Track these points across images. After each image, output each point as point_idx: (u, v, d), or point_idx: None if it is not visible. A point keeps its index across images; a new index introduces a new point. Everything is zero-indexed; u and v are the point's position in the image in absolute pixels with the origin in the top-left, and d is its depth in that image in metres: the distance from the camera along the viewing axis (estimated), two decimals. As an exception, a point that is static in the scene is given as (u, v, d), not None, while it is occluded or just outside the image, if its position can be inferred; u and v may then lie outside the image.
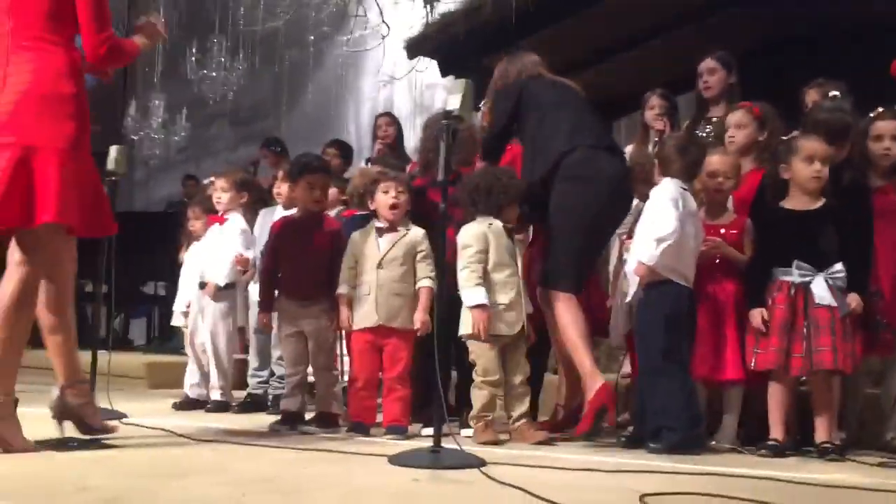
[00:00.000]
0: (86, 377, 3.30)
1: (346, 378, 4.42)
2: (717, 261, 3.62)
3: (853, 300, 3.36)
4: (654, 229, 3.40)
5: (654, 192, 3.54)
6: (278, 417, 3.98)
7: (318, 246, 3.92)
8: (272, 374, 4.74)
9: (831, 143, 3.51)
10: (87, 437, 3.05)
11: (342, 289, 3.82)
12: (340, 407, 3.99)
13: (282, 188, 4.74)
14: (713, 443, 3.52)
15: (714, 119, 4.62)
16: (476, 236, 3.61)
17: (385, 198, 3.81)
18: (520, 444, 3.45)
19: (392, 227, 3.82)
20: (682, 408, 3.34)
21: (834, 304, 3.32)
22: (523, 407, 3.56)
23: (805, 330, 3.32)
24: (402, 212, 3.82)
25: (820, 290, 3.32)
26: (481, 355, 3.55)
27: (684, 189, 3.49)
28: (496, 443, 3.46)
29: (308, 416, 4.00)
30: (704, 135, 4.60)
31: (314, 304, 3.90)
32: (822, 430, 3.35)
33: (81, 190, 2.88)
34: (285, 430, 3.79)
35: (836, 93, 3.98)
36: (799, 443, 3.46)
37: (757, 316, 3.40)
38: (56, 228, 2.86)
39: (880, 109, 3.84)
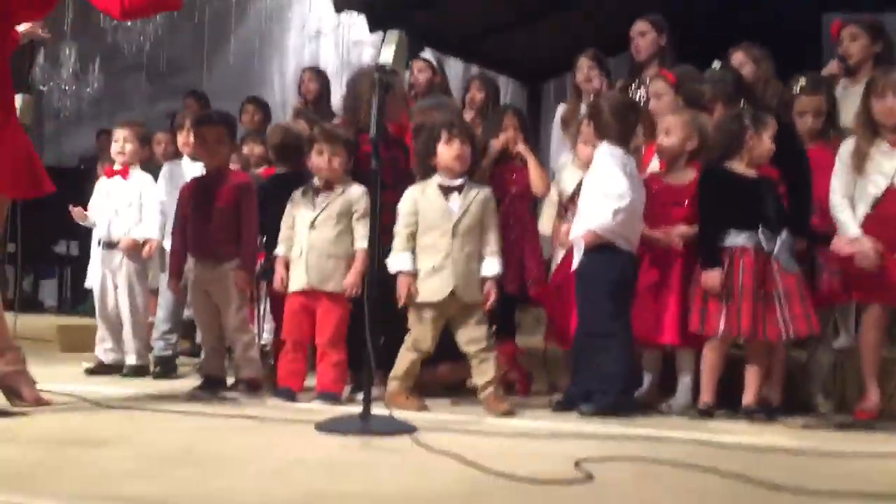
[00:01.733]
0: (16, 345, 3.10)
1: (264, 339, 4.31)
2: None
3: (798, 245, 3.40)
4: (607, 199, 3.33)
5: (597, 156, 3.47)
6: (199, 383, 3.83)
7: (221, 203, 3.75)
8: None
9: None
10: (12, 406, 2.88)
11: (278, 249, 3.69)
12: (259, 370, 3.84)
13: (189, 138, 4.53)
14: (664, 405, 3.52)
15: (648, 81, 4.58)
16: (406, 199, 3.48)
17: (319, 159, 3.65)
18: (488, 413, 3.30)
19: (329, 186, 3.67)
20: (622, 372, 3.33)
21: (798, 270, 3.35)
22: (485, 376, 3.37)
23: (776, 296, 3.33)
24: (335, 175, 3.65)
25: (786, 257, 3.34)
26: (413, 323, 3.44)
27: (625, 152, 3.44)
28: (407, 408, 3.32)
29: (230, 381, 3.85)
30: (638, 97, 4.57)
31: (220, 264, 3.73)
32: (750, 393, 3.38)
33: (8, 152, 2.67)
34: (206, 395, 3.64)
35: (717, 63, 4.01)
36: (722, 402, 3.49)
37: (717, 277, 3.35)
38: None
39: (802, 83, 3.86)
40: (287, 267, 3.67)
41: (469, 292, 3.40)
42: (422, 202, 3.46)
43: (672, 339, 3.51)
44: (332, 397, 3.49)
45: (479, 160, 3.64)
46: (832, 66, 4.22)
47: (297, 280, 3.62)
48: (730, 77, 3.85)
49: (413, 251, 3.43)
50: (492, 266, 3.42)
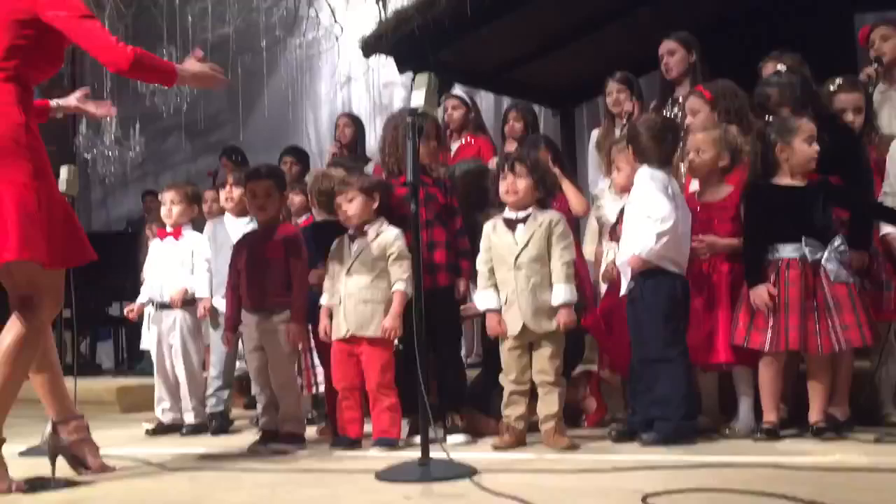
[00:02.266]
0: (80, 413, 3.16)
1: (319, 389, 4.32)
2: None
3: (858, 259, 3.33)
4: (650, 222, 3.30)
5: (638, 180, 3.44)
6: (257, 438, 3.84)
7: (270, 255, 3.78)
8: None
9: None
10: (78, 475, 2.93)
11: (322, 299, 3.73)
12: (303, 426, 3.84)
13: (233, 193, 4.60)
14: (728, 429, 3.45)
15: (679, 99, 4.55)
16: (483, 236, 3.56)
17: (339, 211, 3.70)
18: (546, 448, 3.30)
19: (362, 232, 3.70)
20: (680, 398, 3.26)
21: (850, 280, 3.28)
22: (547, 409, 3.38)
23: (825, 307, 3.26)
24: (355, 220, 3.69)
25: (834, 266, 3.26)
26: (501, 354, 3.48)
27: (667, 174, 3.41)
28: (508, 446, 3.36)
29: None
30: (672, 115, 4.54)
31: (270, 316, 3.75)
32: (815, 410, 3.29)
33: (47, 221, 2.74)
34: (265, 450, 3.65)
35: (781, 66, 3.94)
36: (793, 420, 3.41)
37: (764, 292, 3.30)
38: (23, 265, 2.72)
39: (839, 82, 3.81)
40: (330, 317, 3.69)
41: (539, 324, 3.40)
42: (492, 237, 3.53)
43: (727, 357, 3.44)
44: (389, 443, 3.48)
45: (549, 188, 3.61)
46: (867, 71, 4.15)
47: (338, 329, 3.64)
48: (796, 80, 3.74)
49: (496, 287, 3.48)
50: (559, 294, 3.39)
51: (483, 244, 3.56)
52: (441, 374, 3.74)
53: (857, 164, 3.54)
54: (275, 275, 3.77)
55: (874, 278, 3.49)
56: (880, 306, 3.49)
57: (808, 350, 3.28)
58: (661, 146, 3.42)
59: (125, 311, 4.76)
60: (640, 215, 3.36)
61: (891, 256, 3.55)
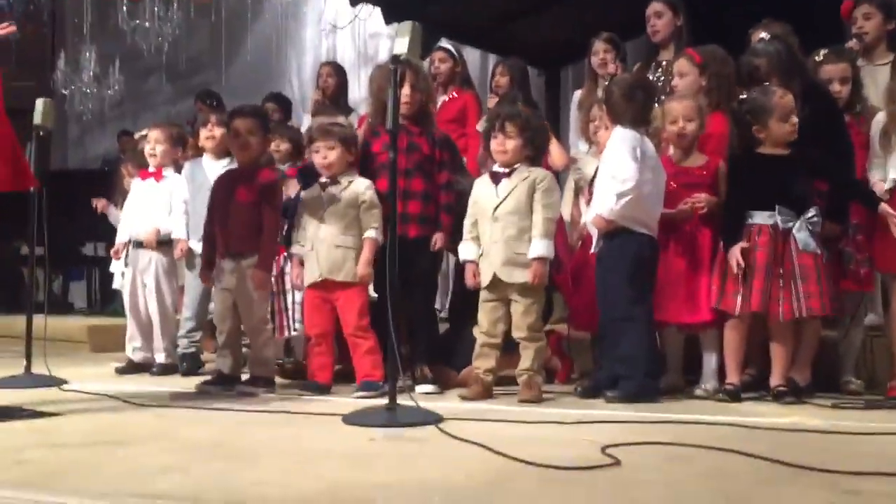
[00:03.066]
0: None
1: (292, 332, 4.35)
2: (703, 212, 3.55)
3: (830, 229, 3.38)
4: (613, 182, 3.32)
5: (610, 141, 3.46)
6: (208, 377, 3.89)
7: (243, 199, 3.76)
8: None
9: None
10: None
11: (294, 248, 3.75)
12: (273, 369, 3.86)
13: (214, 132, 4.54)
14: (700, 389, 3.50)
15: (664, 63, 4.54)
16: (473, 190, 3.60)
17: (316, 157, 3.71)
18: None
19: (333, 181, 3.69)
20: (643, 357, 3.32)
21: (818, 250, 3.32)
22: (523, 362, 3.43)
23: (791, 275, 3.30)
24: (334, 168, 3.69)
25: (804, 236, 3.31)
26: (479, 308, 3.51)
27: (639, 134, 3.42)
28: (470, 394, 3.41)
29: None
30: (655, 79, 4.53)
31: (240, 260, 3.75)
32: (777, 374, 3.36)
33: None
34: (216, 390, 3.67)
35: (765, 35, 3.93)
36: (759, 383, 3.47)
37: (737, 251, 3.33)
38: None
39: (824, 52, 3.82)
40: (301, 264, 3.71)
41: (509, 274, 3.43)
42: (477, 190, 3.57)
43: (707, 315, 3.48)
44: (373, 386, 3.49)
45: (539, 147, 3.62)
46: (850, 45, 4.15)
47: (311, 273, 3.66)
48: (782, 48, 3.72)
49: (477, 239, 3.52)
50: (535, 247, 3.41)
51: (471, 198, 3.59)
52: (414, 325, 3.78)
53: (838, 136, 3.55)
54: (247, 219, 3.76)
55: (839, 248, 3.54)
56: (841, 278, 3.54)
57: (770, 315, 3.34)
58: (631, 104, 3.43)
59: (111, 252, 4.72)
60: (608, 176, 3.39)
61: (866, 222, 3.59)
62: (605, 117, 3.67)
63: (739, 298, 3.34)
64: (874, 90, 3.86)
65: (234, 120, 3.87)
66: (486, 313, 3.49)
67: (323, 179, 3.73)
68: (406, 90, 3.74)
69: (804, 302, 3.29)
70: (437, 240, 3.75)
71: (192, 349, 4.51)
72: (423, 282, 3.80)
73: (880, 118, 3.59)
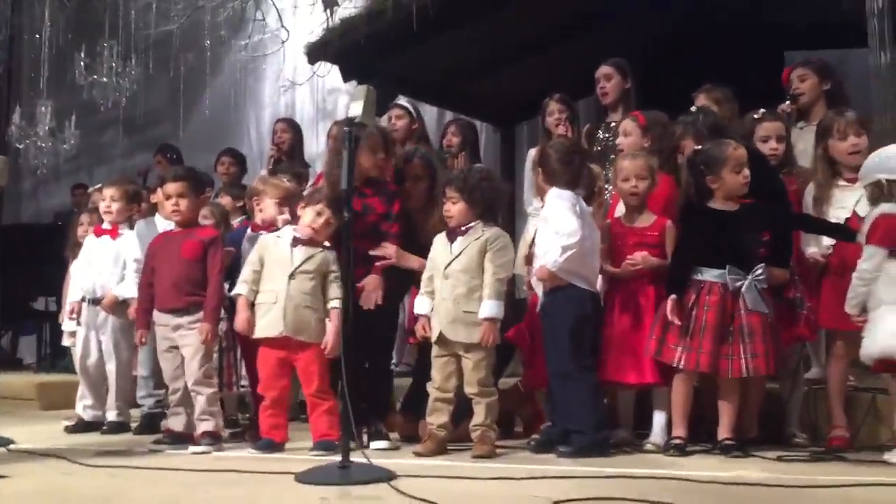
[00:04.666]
0: None
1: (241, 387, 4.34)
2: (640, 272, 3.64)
3: (779, 275, 3.48)
4: (557, 237, 3.41)
5: (548, 201, 3.56)
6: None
7: (187, 256, 3.82)
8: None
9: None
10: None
11: (241, 288, 3.71)
12: (220, 424, 3.84)
13: (159, 196, 4.58)
14: (647, 444, 3.55)
15: (612, 124, 4.70)
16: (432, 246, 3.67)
17: (313, 219, 3.70)
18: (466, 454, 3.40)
19: (309, 241, 3.73)
20: (589, 411, 3.38)
21: (766, 309, 3.42)
22: (476, 418, 3.46)
23: (740, 332, 3.39)
24: (319, 238, 3.74)
25: (753, 296, 3.40)
26: (432, 363, 3.56)
27: (575, 195, 3.53)
28: (429, 453, 3.42)
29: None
30: (604, 139, 4.68)
31: (185, 316, 3.78)
32: (724, 428, 3.43)
33: None
34: (168, 449, 3.66)
35: (694, 108, 4.08)
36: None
37: (671, 306, 3.40)
38: None
39: (762, 111, 4.00)
40: (251, 309, 3.69)
41: (456, 333, 3.47)
42: (434, 247, 3.65)
43: (654, 378, 3.55)
44: (329, 446, 3.47)
45: (488, 203, 3.66)
46: (782, 107, 4.33)
47: (273, 326, 3.64)
48: (700, 116, 3.90)
49: (432, 293, 3.58)
50: (485, 308, 3.45)
51: (430, 255, 3.66)
52: (369, 383, 3.79)
53: (776, 187, 3.68)
54: (191, 275, 3.81)
55: (788, 296, 3.64)
56: (793, 325, 3.63)
57: (719, 373, 3.42)
58: (568, 168, 3.54)
59: (67, 313, 4.66)
60: (550, 232, 3.48)
61: (808, 277, 3.71)
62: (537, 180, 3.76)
63: (683, 352, 3.42)
64: (811, 151, 4.01)
65: (164, 184, 3.94)
66: (437, 369, 3.53)
67: (293, 235, 3.74)
68: (379, 155, 3.81)
69: (751, 361, 3.38)
70: (389, 250, 3.76)
71: (158, 409, 4.44)
72: (379, 341, 3.84)
73: (811, 189, 3.74)
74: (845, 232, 3.51)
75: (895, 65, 4.29)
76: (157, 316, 3.87)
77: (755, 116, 3.99)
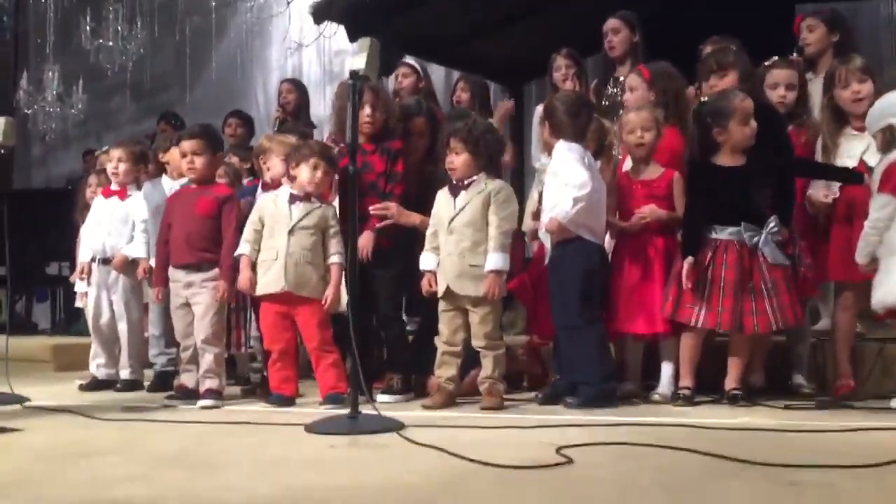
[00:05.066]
0: None
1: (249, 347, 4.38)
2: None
3: (780, 231, 3.45)
4: (567, 189, 3.40)
5: (555, 153, 3.54)
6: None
7: (201, 213, 3.83)
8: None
9: (713, 77, 3.72)
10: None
11: (244, 248, 3.73)
12: (223, 382, 3.86)
13: (170, 156, 4.59)
14: (655, 395, 3.56)
15: (621, 78, 4.65)
16: (435, 202, 3.65)
17: (310, 173, 3.71)
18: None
19: (306, 197, 3.73)
20: (596, 363, 3.39)
21: (786, 262, 3.40)
22: (484, 371, 3.49)
23: (762, 288, 3.37)
24: (318, 191, 3.74)
25: (771, 249, 3.38)
26: (439, 317, 3.57)
27: (583, 147, 3.51)
28: (432, 403, 3.46)
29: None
30: (612, 94, 4.64)
31: (198, 273, 3.80)
32: (731, 378, 3.45)
33: None
34: (180, 404, 3.70)
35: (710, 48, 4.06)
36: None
37: (687, 266, 3.38)
38: None
39: (775, 58, 3.94)
40: (253, 268, 3.71)
41: (463, 286, 3.48)
42: (437, 202, 3.63)
43: (664, 327, 3.54)
44: (338, 399, 3.50)
45: (491, 154, 3.65)
46: (792, 58, 4.27)
47: (274, 283, 3.65)
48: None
49: (436, 249, 3.57)
50: (490, 261, 3.46)
51: (433, 210, 3.65)
52: (383, 336, 3.85)
53: (781, 140, 3.64)
54: (205, 231, 3.82)
55: (788, 253, 3.62)
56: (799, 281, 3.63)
57: (745, 329, 3.40)
58: (576, 121, 3.52)
59: (77, 273, 4.70)
60: (559, 184, 3.46)
61: (812, 225, 3.68)
62: (545, 132, 3.74)
63: (702, 311, 3.40)
64: (819, 102, 3.98)
65: (181, 141, 3.94)
66: (445, 323, 3.55)
67: (289, 192, 3.75)
68: (367, 110, 3.80)
69: (779, 314, 3.36)
70: (392, 208, 3.79)
71: (170, 368, 4.48)
72: (387, 292, 3.86)
73: (821, 139, 3.70)
74: (852, 175, 3.47)
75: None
76: (171, 272, 3.89)
77: (766, 64, 3.94)
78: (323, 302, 3.63)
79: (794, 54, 4.27)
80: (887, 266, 3.17)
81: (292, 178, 3.76)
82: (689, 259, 3.40)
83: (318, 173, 3.71)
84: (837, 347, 3.60)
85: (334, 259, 3.68)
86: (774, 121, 3.65)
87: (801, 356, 3.80)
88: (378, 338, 3.97)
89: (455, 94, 5.41)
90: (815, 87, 3.99)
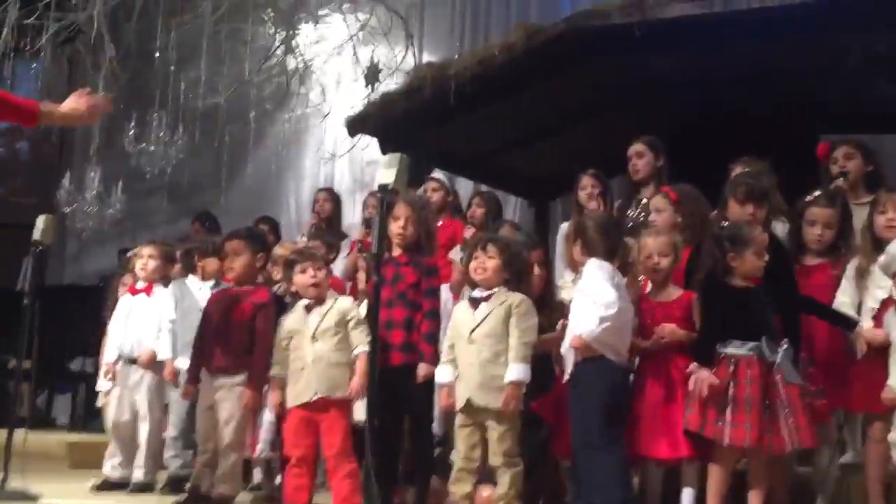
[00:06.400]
0: None
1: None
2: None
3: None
4: (595, 307, 3.40)
5: (586, 270, 3.56)
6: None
7: (237, 317, 3.88)
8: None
9: (750, 204, 3.75)
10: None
11: (274, 370, 3.77)
12: (238, 489, 3.83)
13: (203, 261, 4.68)
14: None
15: (644, 200, 4.72)
16: (452, 314, 3.69)
17: (304, 277, 3.79)
18: None
19: (319, 301, 3.79)
20: (616, 486, 3.31)
21: (801, 381, 3.37)
22: (499, 489, 3.43)
23: (780, 407, 3.32)
24: (323, 289, 3.80)
25: (788, 367, 3.35)
26: (455, 432, 3.55)
27: (614, 267, 3.54)
28: None
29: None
30: (635, 215, 4.71)
31: (227, 377, 3.82)
32: (754, 506, 3.35)
33: None
34: None
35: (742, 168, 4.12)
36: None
37: (708, 378, 3.33)
38: None
39: (817, 193, 3.96)
40: (282, 388, 3.74)
41: (485, 398, 3.46)
42: (456, 314, 3.67)
43: (688, 451, 3.45)
44: None
45: (518, 271, 3.70)
46: (838, 184, 4.29)
47: (305, 392, 3.66)
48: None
49: (454, 362, 3.58)
50: (511, 372, 3.45)
51: (450, 322, 3.68)
52: (407, 451, 3.84)
53: (787, 275, 3.67)
54: (239, 337, 3.85)
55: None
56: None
57: (762, 449, 3.33)
58: (607, 239, 3.56)
59: (103, 374, 4.74)
60: (586, 301, 3.47)
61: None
62: (575, 251, 3.77)
63: (728, 428, 3.33)
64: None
65: (226, 241, 4.03)
66: (462, 438, 3.52)
67: (306, 302, 3.81)
68: (400, 223, 3.89)
69: (795, 434, 3.31)
70: (421, 370, 3.77)
71: (186, 471, 4.42)
72: (414, 408, 3.83)
73: (855, 261, 3.71)
74: (847, 322, 3.50)
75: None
76: (203, 373, 3.92)
77: (807, 199, 3.93)
78: (349, 393, 3.62)
79: (841, 180, 4.27)
80: None
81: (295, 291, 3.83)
82: (699, 371, 3.36)
83: (320, 274, 3.76)
84: (869, 482, 3.48)
85: (360, 349, 3.69)
86: (782, 256, 3.68)
87: (827, 488, 3.69)
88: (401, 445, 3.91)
89: (470, 210, 5.53)
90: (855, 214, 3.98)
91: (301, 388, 3.69)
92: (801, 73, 5.42)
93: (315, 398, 3.65)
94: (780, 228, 4.01)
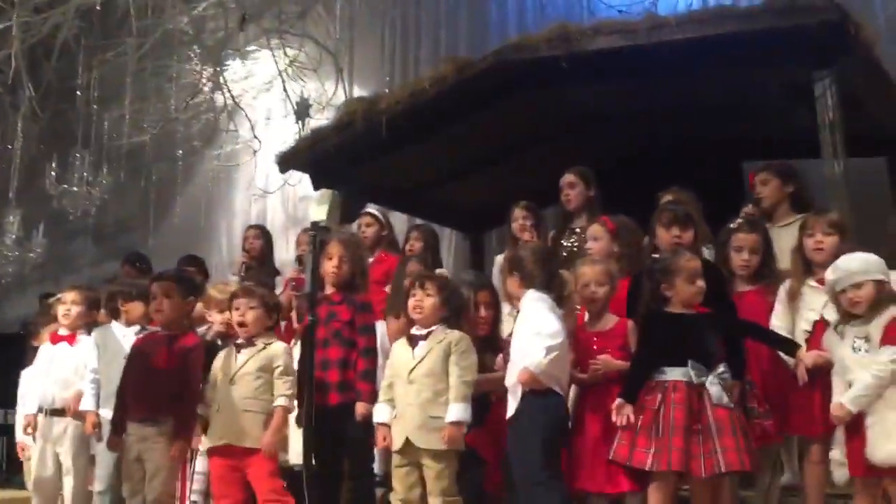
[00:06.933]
0: None
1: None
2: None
3: (735, 387, 3.44)
4: (539, 338, 3.37)
5: (525, 303, 3.54)
6: None
7: (163, 363, 3.75)
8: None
9: (675, 227, 3.86)
10: None
11: (201, 408, 3.69)
12: None
13: (127, 305, 4.50)
14: None
15: (577, 230, 4.77)
16: (390, 353, 3.63)
17: (234, 315, 3.73)
18: None
19: (250, 342, 3.69)
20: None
21: (731, 404, 3.38)
22: None
23: (708, 430, 3.33)
24: (249, 330, 3.69)
25: (716, 390, 3.36)
26: (392, 473, 3.47)
27: (552, 298, 3.53)
28: None
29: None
30: (569, 245, 4.73)
31: (153, 426, 3.68)
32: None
33: None
34: None
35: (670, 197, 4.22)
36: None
37: (629, 412, 3.35)
38: None
39: (739, 220, 4.04)
40: (205, 428, 3.65)
41: (423, 439, 3.40)
42: (394, 353, 3.61)
43: (628, 485, 3.45)
44: None
45: (456, 308, 3.67)
46: (746, 210, 4.40)
47: (212, 436, 3.59)
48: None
49: (391, 401, 3.52)
50: (452, 411, 3.40)
51: (388, 361, 3.62)
52: (347, 492, 3.72)
53: (724, 300, 3.71)
54: (164, 385, 3.72)
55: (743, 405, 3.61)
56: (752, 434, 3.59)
57: (692, 472, 3.33)
58: (544, 270, 3.56)
59: (23, 427, 4.50)
60: (529, 333, 3.43)
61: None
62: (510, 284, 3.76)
63: (652, 454, 3.34)
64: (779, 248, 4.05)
65: (152, 284, 3.90)
66: (399, 479, 3.45)
67: (239, 340, 3.72)
68: (334, 262, 3.83)
69: (721, 457, 3.30)
70: (359, 409, 3.70)
71: None
72: (353, 448, 3.75)
73: (786, 284, 3.76)
74: (789, 346, 3.55)
75: (848, 174, 4.45)
76: (128, 424, 3.77)
77: (731, 226, 4.01)
78: (262, 447, 3.51)
79: (751, 206, 4.39)
80: (883, 420, 3.12)
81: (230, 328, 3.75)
82: (619, 400, 3.38)
83: (249, 313, 3.68)
84: (809, 504, 3.51)
85: (279, 401, 3.59)
86: (716, 278, 3.71)
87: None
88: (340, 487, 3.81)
89: (408, 244, 5.49)
90: (773, 235, 4.06)
91: (211, 431, 3.61)
92: (726, 103, 5.55)
93: (221, 444, 3.55)
94: (707, 255, 4.07)
